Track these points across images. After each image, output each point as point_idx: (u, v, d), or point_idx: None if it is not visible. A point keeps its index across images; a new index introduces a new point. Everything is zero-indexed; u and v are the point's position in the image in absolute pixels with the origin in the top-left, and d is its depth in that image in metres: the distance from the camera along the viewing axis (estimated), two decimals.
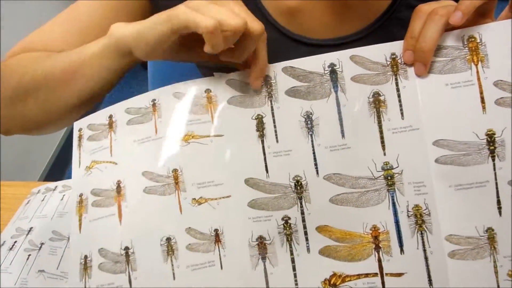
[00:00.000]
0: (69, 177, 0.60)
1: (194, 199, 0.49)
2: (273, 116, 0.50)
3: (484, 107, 0.46)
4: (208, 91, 0.52)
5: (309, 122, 0.49)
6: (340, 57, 0.49)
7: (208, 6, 0.46)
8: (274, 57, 0.50)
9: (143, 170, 0.51)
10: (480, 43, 0.46)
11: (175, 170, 0.50)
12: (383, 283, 0.47)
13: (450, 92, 0.47)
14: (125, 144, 0.53)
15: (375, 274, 0.47)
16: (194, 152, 0.50)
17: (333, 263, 0.48)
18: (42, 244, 0.74)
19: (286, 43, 0.63)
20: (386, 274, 0.47)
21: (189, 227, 0.49)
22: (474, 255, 0.45)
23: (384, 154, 0.48)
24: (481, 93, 0.46)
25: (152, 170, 0.51)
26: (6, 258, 0.73)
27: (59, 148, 2.16)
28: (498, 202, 0.45)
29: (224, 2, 0.47)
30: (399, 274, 0.47)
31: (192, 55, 0.53)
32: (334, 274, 0.48)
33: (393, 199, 0.47)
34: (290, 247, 0.48)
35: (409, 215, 0.47)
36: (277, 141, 0.50)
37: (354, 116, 0.48)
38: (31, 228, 0.78)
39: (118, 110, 0.55)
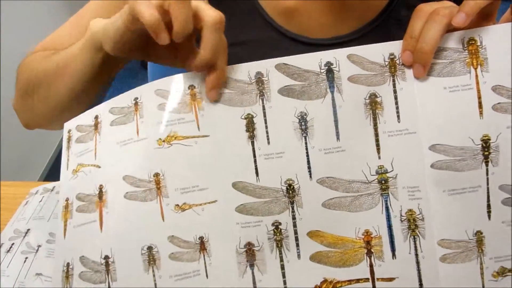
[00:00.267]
0: None
1: (177, 205, 0.46)
2: (264, 116, 0.47)
3: (481, 112, 0.45)
4: (191, 87, 0.48)
5: (303, 123, 0.47)
6: (337, 56, 0.47)
7: None
8: (271, 57, 0.48)
9: (124, 174, 0.47)
10: (481, 46, 0.46)
11: (156, 175, 0.47)
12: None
13: (448, 96, 0.46)
14: (108, 147, 0.49)
15: (366, 279, 0.46)
16: (177, 155, 0.47)
17: (324, 269, 0.47)
18: (39, 246, 0.71)
19: (284, 43, 0.62)
20: (378, 279, 0.46)
21: (172, 235, 0.46)
22: (463, 258, 0.46)
23: (379, 157, 0.47)
24: (479, 98, 0.45)
25: (133, 174, 0.47)
26: (3, 261, 0.70)
27: (59, 148, 2.11)
28: (488, 206, 0.46)
29: None
30: (391, 279, 0.46)
31: (162, 57, 0.51)
32: (325, 281, 0.47)
33: (386, 204, 0.46)
34: (280, 253, 0.47)
35: (402, 219, 0.46)
36: (268, 143, 0.47)
37: (350, 118, 0.47)
38: (28, 230, 0.75)
39: (103, 110, 0.51)
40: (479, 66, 0.46)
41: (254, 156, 0.47)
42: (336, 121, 0.47)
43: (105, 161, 0.49)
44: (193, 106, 0.48)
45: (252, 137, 0.47)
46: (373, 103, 0.47)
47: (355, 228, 0.47)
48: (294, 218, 0.47)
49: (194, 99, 0.48)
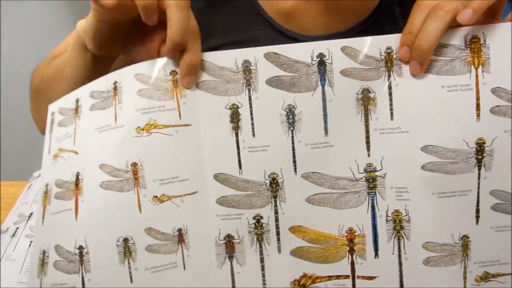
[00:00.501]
0: None
1: (155, 196, 0.45)
2: (250, 107, 0.45)
3: (478, 115, 0.43)
4: (173, 73, 0.46)
5: (290, 116, 0.45)
6: (331, 47, 0.44)
7: None
8: None
9: (101, 163, 0.46)
10: (484, 45, 0.43)
11: (134, 164, 0.45)
12: (353, 285, 0.46)
13: (446, 95, 0.43)
14: (86, 132, 0.48)
15: (347, 276, 0.46)
16: (157, 144, 0.45)
17: (304, 264, 0.46)
18: None
19: (283, 41, 0.60)
20: (358, 276, 0.46)
21: (149, 227, 0.45)
22: (447, 262, 0.45)
23: (368, 155, 0.45)
24: (478, 99, 0.43)
25: (110, 163, 0.46)
26: (9, 245, 0.71)
27: None
28: (477, 211, 0.45)
29: None
30: (371, 277, 0.46)
31: (140, 49, 0.49)
32: (305, 275, 0.46)
33: (372, 203, 0.45)
34: (260, 247, 0.46)
35: (388, 220, 0.45)
36: (253, 135, 0.45)
37: (340, 113, 0.45)
38: (31, 213, 0.76)
39: (84, 93, 0.49)
40: (480, 66, 0.43)
41: (238, 148, 0.45)
42: (325, 115, 0.45)
43: (83, 148, 0.48)
44: (175, 93, 0.46)
45: (236, 128, 0.45)
46: (366, 99, 0.44)
47: (338, 225, 0.46)
48: (276, 212, 0.46)
49: (176, 86, 0.45)
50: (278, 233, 0.46)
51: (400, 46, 0.43)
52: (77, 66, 0.53)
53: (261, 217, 0.46)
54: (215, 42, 0.64)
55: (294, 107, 0.45)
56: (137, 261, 0.45)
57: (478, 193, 0.44)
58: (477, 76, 0.43)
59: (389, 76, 0.44)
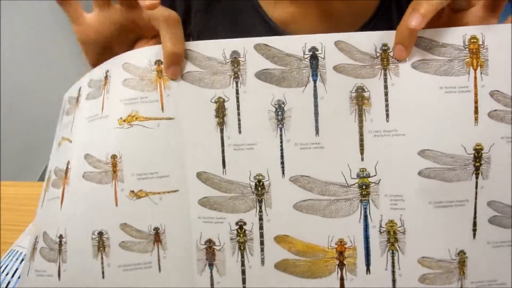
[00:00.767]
0: None
1: (133, 191, 0.42)
2: (237, 101, 0.43)
3: (476, 118, 0.41)
4: (158, 62, 0.43)
5: (280, 113, 0.42)
6: (324, 42, 0.43)
7: None
8: None
9: (86, 153, 0.44)
10: (482, 46, 0.42)
11: (114, 157, 0.43)
12: None
13: (444, 97, 0.42)
14: (80, 121, 0.46)
15: None
16: (137, 137, 0.43)
17: (290, 278, 0.42)
18: None
19: None
20: None
21: (125, 223, 0.42)
22: (444, 280, 0.42)
23: (362, 159, 0.42)
24: (476, 102, 0.42)
25: (93, 153, 0.44)
26: None
27: None
28: (474, 223, 0.42)
29: None
30: None
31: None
32: None
33: (365, 212, 0.42)
34: (242, 257, 0.42)
35: (382, 231, 0.42)
36: (239, 132, 0.43)
37: (332, 112, 0.43)
38: None
39: (84, 82, 0.47)
40: (479, 67, 0.42)
41: (222, 145, 0.43)
42: (316, 113, 0.42)
43: (75, 136, 0.46)
44: (159, 84, 0.43)
45: (221, 124, 0.43)
46: (360, 98, 0.42)
47: (328, 236, 0.42)
48: (261, 218, 0.42)
49: (160, 76, 0.43)
50: (262, 243, 0.42)
51: (395, 44, 0.42)
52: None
53: (244, 223, 0.42)
54: None
55: (283, 103, 0.42)
56: (110, 256, 0.42)
57: (476, 203, 0.42)
58: (475, 78, 0.42)
59: (385, 74, 0.42)
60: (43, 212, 0.47)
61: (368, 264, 0.42)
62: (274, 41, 0.43)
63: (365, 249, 0.42)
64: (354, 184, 0.42)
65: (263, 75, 0.43)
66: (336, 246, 0.42)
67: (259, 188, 0.42)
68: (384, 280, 0.42)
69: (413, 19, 0.40)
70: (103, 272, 0.42)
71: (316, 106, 0.42)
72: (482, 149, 0.42)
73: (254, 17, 0.64)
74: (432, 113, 0.42)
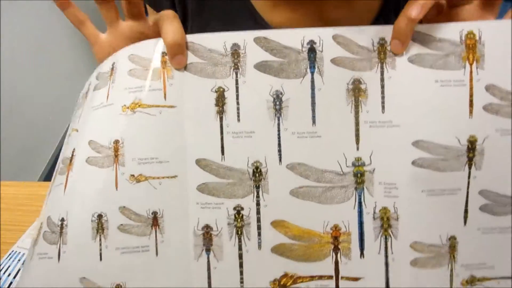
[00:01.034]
0: None
1: (133, 175, 0.44)
2: (237, 91, 0.44)
3: (471, 111, 0.43)
4: (164, 54, 0.45)
5: (277, 102, 0.44)
6: (322, 35, 0.44)
7: None
8: None
9: (89, 139, 0.46)
10: (479, 41, 0.43)
11: (116, 142, 0.45)
12: (337, 286, 0.44)
13: (439, 90, 0.43)
14: (86, 111, 0.48)
15: (330, 277, 0.44)
16: (139, 123, 0.45)
17: (286, 262, 0.44)
18: None
19: None
20: (342, 277, 0.44)
21: (124, 206, 0.44)
22: (434, 264, 0.44)
23: (357, 148, 0.44)
24: (471, 95, 0.43)
25: (97, 139, 0.45)
26: None
27: (59, 148, 2.16)
28: (466, 211, 0.44)
29: None
30: (356, 279, 0.44)
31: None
32: (286, 275, 0.44)
33: (360, 199, 0.44)
34: (240, 241, 0.44)
35: (375, 217, 0.44)
36: (238, 120, 0.44)
37: (329, 103, 0.44)
38: None
39: (93, 77, 0.50)
40: (475, 62, 0.43)
41: (222, 133, 0.44)
42: (313, 104, 0.44)
43: (81, 125, 0.48)
44: (162, 74, 0.45)
45: (221, 112, 0.44)
46: (357, 90, 0.44)
47: (323, 221, 0.44)
48: (258, 204, 0.44)
49: (164, 67, 0.45)
50: (259, 227, 0.44)
51: (392, 39, 0.43)
52: None
53: (242, 209, 0.44)
54: None
55: (281, 94, 0.44)
56: (108, 239, 0.44)
57: (468, 192, 0.43)
58: (471, 72, 0.43)
59: (381, 67, 0.44)
60: (49, 200, 0.49)
61: (362, 248, 0.44)
62: (273, 34, 0.44)
63: (359, 234, 0.44)
64: (349, 172, 0.44)
65: (262, 67, 0.44)
66: (331, 231, 0.44)
67: (257, 175, 0.44)
68: (377, 264, 0.44)
69: (413, 9, 0.41)
70: (100, 254, 0.44)
71: (313, 97, 0.44)
72: (476, 141, 0.43)
73: (250, 22, 0.64)
74: (427, 106, 0.43)
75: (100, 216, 0.44)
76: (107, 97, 0.46)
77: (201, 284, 0.45)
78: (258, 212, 0.44)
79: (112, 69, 0.47)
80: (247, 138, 0.44)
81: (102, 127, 0.46)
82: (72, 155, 0.47)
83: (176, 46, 0.44)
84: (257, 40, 0.44)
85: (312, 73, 0.44)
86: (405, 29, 0.42)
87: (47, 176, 2.25)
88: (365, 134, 0.44)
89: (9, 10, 1.78)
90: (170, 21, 0.45)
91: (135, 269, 0.44)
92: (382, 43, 0.44)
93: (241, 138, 0.44)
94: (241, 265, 0.44)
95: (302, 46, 0.44)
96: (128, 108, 0.45)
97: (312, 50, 0.44)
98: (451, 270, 0.44)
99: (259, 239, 0.44)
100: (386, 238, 0.44)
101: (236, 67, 0.45)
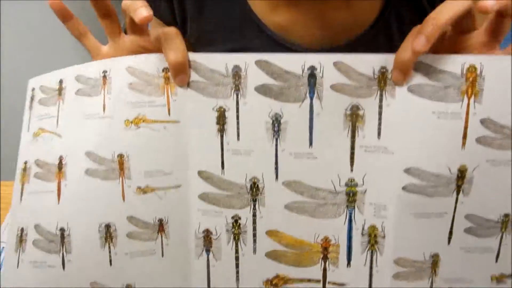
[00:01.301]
0: None
1: (139, 187, 0.47)
2: (237, 111, 0.46)
3: (464, 143, 0.44)
4: (166, 70, 0.46)
5: (276, 125, 0.45)
6: (323, 61, 0.44)
7: None
8: None
9: (87, 150, 0.48)
10: (479, 76, 0.43)
11: (120, 156, 0.47)
12: None
13: (435, 121, 0.44)
14: (72, 117, 0.49)
15: (318, 281, 0.48)
16: (144, 138, 0.47)
17: (278, 266, 0.49)
18: None
19: (275, 50, 0.61)
20: (329, 282, 0.48)
21: (131, 216, 0.48)
22: (416, 277, 0.47)
23: (351, 170, 0.46)
24: (466, 128, 0.44)
25: (96, 151, 0.47)
26: None
27: None
28: (450, 232, 0.46)
29: None
30: (341, 284, 0.48)
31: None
32: (277, 276, 0.49)
33: (350, 216, 0.47)
34: (236, 246, 0.48)
35: (364, 233, 0.47)
36: (238, 139, 0.46)
37: (327, 127, 0.45)
38: None
39: (69, 75, 0.50)
40: (473, 96, 0.43)
41: (222, 149, 0.47)
42: (311, 127, 0.45)
43: (67, 132, 0.49)
44: (166, 90, 0.46)
45: (222, 131, 0.46)
46: (354, 115, 0.45)
47: (314, 233, 0.48)
48: (254, 215, 0.47)
49: (167, 83, 0.46)
50: (254, 235, 0.48)
51: (394, 69, 0.43)
52: None
53: (239, 218, 0.48)
54: (209, 49, 0.65)
55: (280, 116, 0.45)
56: (118, 246, 0.48)
57: (454, 216, 0.46)
58: (468, 105, 0.43)
59: (381, 95, 0.44)
60: (26, 206, 0.51)
61: (349, 259, 0.48)
62: (274, 58, 0.45)
63: (348, 247, 0.47)
64: (342, 191, 0.46)
65: (262, 89, 0.45)
66: (321, 242, 0.48)
67: (254, 189, 0.47)
68: (362, 274, 0.48)
69: (419, 41, 0.41)
70: (110, 260, 0.48)
71: (311, 120, 0.45)
72: (466, 170, 0.44)
73: (249, 25, 0.63)
74: (422, 136, 0.44)
75: (108, 226, 0.47)
76: (104, 108, 0.47)
77: (201, 280, 0.49)
78: (254, 222, 0.48)
79: (105, 77, 0.48)
80: (245, 156, 0.46)
81: (102, 140, 0.47)
82: (60, 162, 0.48)
83: (179, 66, 0.45)
84: (258, 63, 0.45)
85: (311, 98, 0.45)
86: (407, 60, 0.42)
87: None
88: (359, 157, 0.46)
89: (9, 10, 1.74)
90: (173, 39, 0.45)
91: (144, 269, 0.48)
92: (383, 72, 0.44)
93: (240, 155, 0.47)
94: (237, 266, 0.49)
95: (303, 71, 0.45)
96: (132, 122, 0.47)
97: (312, 76, 0.44)
98: (432, 283, 0.47)
99: (255, 245, 0.48)
100: (372, 253, 0.47)
101: (237, 88, 0.45)
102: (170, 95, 0.46)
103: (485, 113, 0.43)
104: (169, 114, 0.47)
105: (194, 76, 0.46)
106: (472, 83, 0.43)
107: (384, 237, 0.46)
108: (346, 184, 0.46)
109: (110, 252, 0.48)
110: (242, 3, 0.63)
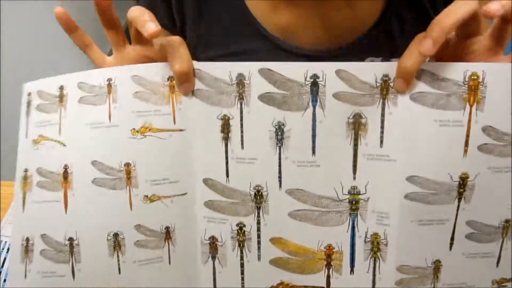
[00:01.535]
0: None
1: (146, 196, 0.48)
2: (241, 120, 0.47)
3: (466, 151, 0.44)
4: (171, 78, 0.47)
5: (279, 133, 0.46)
6: (325, 70, 0.45)
7: None
8: None
9: (93, 159, 0.48)
10: (481, 84, 0.43)
11: (127, 165, 0.48)
12: None
13: (437, 129, 0.44)
14: (76, 125, 0.50)
15: None
16: (150, 147, 0.48)
17: (282, 273, 0.49)
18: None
19: (277, 54, 0.63)
20: None
21: (139, 224, 0.48)
22: (418, 283, 0.48)
23: (354, 178, 0.47)
24: (467, 136, 0.44)
25: (103, 161, 0.48)
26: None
27: None
28: (452, 238, 0.47)
29: None
30: None
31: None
32: (282, 283, 0.49)
33: (353, 223, 0.47)
34: (241, 253, 0.49)
35: (366, 241, 0.47)
36: (242, 147, 0.47)
37: (329, 135, 0.46)
38: None
39: (70, 82, 0.50)
40: (475, 104, 0.44)
41: (226, 158, 0.47)
42: (314, 135, 0.46)
43: (72, 141, 0.50)
44: (171, 98, 0.47)
45: (226, 139, 0.47)
46: (357, 124, 0.46)
47: (318, 240, 0.48)
48: (258, 223, 0.48)
49: (172, 92, 0.47)
50: (259, 242, 0.49)
51: (396, 78, 0.44)
52: None
53: (244, 225, 0.48)
54: (210, 53, 0.66)
55: (283, 125, 0.46)
56: (126, 254, 0.49)
57: (455, 223, 0.46)
58: (470, 113, 0.44)
59: (383, 103, 0.45)
60: (30, 215, 0.51)
61: (352, 266, 0.48)
62: (277, 66, 0.46)
63: (351, 254, 0.48)
64: (345, 200, 0.47)
65: (265, 98, 0.46)
66: (325, 249, 0.48)
67: (258, 197, 0.48)
68: (365, 281, 0.48)
69: (425, 44, 0.42)
70: (119, 268, 0.49)
71: (314, 129, 0.46)
72: (467, 178, 0.45)
73: (247, 27, 0.64)
74: (424, 144, 0.45)
75: (116, 235, 0.48)
76: (110, 117, 0.48)
77: (208, 286, 0.50)
78: (258, 230, 0.48)
79: (109, 85, 0.49)
80: (249, 164, 0.47)
81: (109, 149, 0.48)
82: (66, 171, 0.49)
83: (184, 75, 0.46)
84: (261, 71, 0.46)
85: (314, 106, 0.46)
86: (410, 68, 0.43)
87: None
88: (362, 166, 0.46)
89: (9, 10, 1.75)
90: (177, 48, 0.46)
91: (151, 276, 0.49)
92: (385, 80, 0.45)
93: (244, 164, 0.47)
94: (242, 272, 0.49)
95: (305, 79, 0.45)
96: (138, 132, 0.48)
97: (315, 84, 0.45)
98: None
99: (259, 252, 0.49)
100: (375, 260, 0.48)
101: (241, 97, 0.46)
102: (175, 104, 0.47)
103: (486, 120, 0.44)
104: (174, 122, 0.48)
105: (198, 85, 0.47)
106: (474, 90, 0.44)
107: (386, 244, 0.47)
108: (349, 192, 0.47)
109: (118, 260, 0.49)
110: (241, 6, 0.64)
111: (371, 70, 0.45)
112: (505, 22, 0.43)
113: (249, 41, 0.65)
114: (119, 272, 0.49)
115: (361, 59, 0.61)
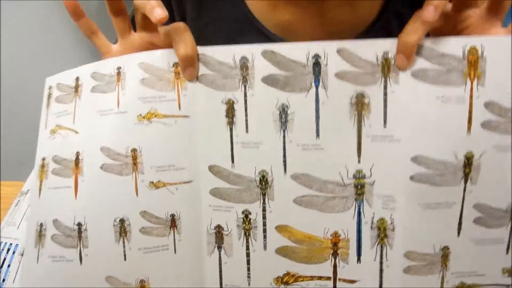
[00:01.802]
0: None
1: (152, 182, 0.48)
2: (245, 103, 0.47)
3: (469, 128, 0.44)
4: (176, 64, 0.48)
5: (283, 115, 0.47)
6: (327, 49, 0.46)
7: None
8: None
9: (102, 145, 0.49)
10: (481, 58, 0.44)
11: (134, 150, 0.48)
12: (334, 286, 0.48)
13: (440, 106, 0.45)
14: (88, 113, 0.51)
15: (328, 278, 0.48)
16: (156, 133, 0.48)
17: (288, 262, 0.48)
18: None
19: None
20: (339, 279, 0.48)
21: (144, 211, 0.48)
22: (426, 271, 0.47)
23: (359, 161, 0.46)
24: (470, 112, 0.44)
25: (111, 146, 0.49)
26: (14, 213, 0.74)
27: None
28: (460, 223, 0.46)
29: None
30: (352, 281, 0.48)
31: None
32: (288, 273, 0.48)
33: (359, 209, 0.47)
34: (247, 242, 0.48)
35: (373, 227, 0.47)
36: (247, 131, 0.47)
37: (333, 116, 0.46)
38: (28, 190, 0.76)
39: (85, 73, 0.52)
40: (476, 78, 0.44)
41: (232, 142, 0.48)
42: (317, 117, 0.46)
43: (84, 128, 0.51)
44: (176, 84, 0.48)
45: (231, 123, 0.48)
46: (360, 104, 0.46)
47: (324, 228, 0.47)
48: (264, 210, 0.48)
49: (178, 77, 0.48)
50: (264, 231, 0.48)
51: (397, 53, 0.45)
52: None
53: (250, 213, 0.48)
54: None
55: (287, 107, 0.47)
56: (131, 241, 0.49)
57: (462, 206, 0.45)
58: (471, 89, 0.44)
59: (385, 82, 0.45)
60: (45, 201, 0.52)
61: (359, 254, 0.47)
62: (280, 47, 0.47)
63: (357, 242, 0.47)
64: (350, 184, 0.47)
65: (269, 80, 0.47)
66: (331, 237, 0.47)
67: (263, 183, 0.48)
68: (372, 269, 0.47)
69: (428, 11, 0.43)
70: (125, 255, 0.49)
71: (317, 110, 0.46)
72: (472, 157, 0.45)
73: (247, 26, 0.65)
74: (427, 121, 0.45)
75: (122, 221, 0.48)
76: (118, 104, 0.49)
77: (214, 277, 0.49)
78: (264, 217, 0.48)
79: (119, 73, 0.50)
80: (254, 149, 0.48)
81: (116, 135, 0.49)
82: (77, 158, 0.50)
83: (188, 59, 0.47)
84: (264, 53, 0.47)
85: (317, 87, 0.46)
86: (410, 43, 0.44)
87: None
88: (366, 148, 0.46)
89: (9, 10, 1.79)
90: (181, 33, 0.47)
91: (157, 265, 0.49)
92: (386, 57, 0.45)
93: (249, 148, 0.48)
94: (248, 263, 0.49)
95: (307, 59, 0.46)
96: (144, 117, 0.48)
97: (317, 64, 0.46)
98: (442, 277, 0.46)
99: (265, 241, 0.48)
100: (382, 247, 0.47)
101: (244, 80, 0.47)
102: (181, 90, 0.48)
103: (488, 96, 0.44)
104: (179, 108, 0.48)
105: (203, 70, 0.48)
106: (473, 65, 0.44)
107: (393, 230, 0.46)
108: (354, 176, 0.47)
109: (124, 247, 0.49)
110: (241, 5, 0.65)
111: (372, 48, 0.45)
112: None
113: (249, 39, 0.65)
114: (125, 259, 0.49)
115: None
